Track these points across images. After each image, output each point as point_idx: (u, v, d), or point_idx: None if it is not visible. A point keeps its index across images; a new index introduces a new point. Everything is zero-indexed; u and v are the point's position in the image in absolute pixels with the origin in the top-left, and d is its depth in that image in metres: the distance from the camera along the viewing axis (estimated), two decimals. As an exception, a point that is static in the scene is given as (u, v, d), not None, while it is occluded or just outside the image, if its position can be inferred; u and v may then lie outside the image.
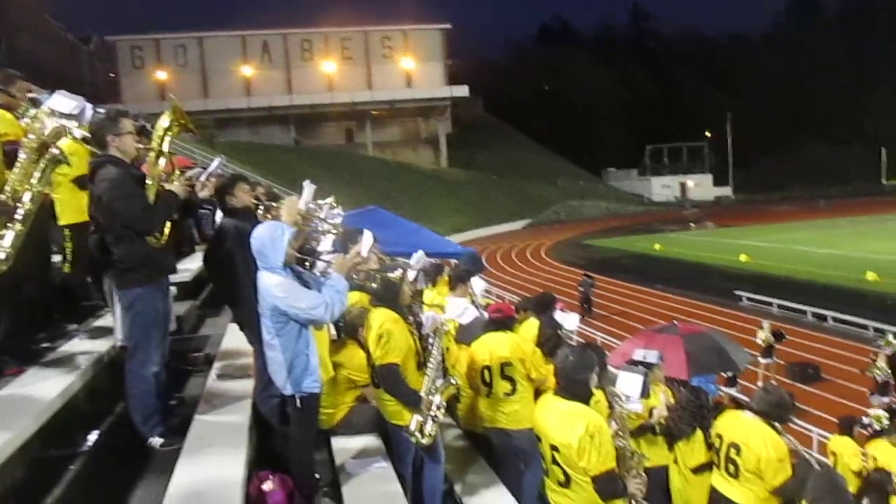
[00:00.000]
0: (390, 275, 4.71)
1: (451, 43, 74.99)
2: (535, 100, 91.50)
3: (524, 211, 62.57)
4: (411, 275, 5.39)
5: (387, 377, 4.55)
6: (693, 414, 5.68)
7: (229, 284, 4.83)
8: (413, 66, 70.47)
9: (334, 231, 4.52)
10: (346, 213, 5.33)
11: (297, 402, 4.04)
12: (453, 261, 8.46)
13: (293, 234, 3.99)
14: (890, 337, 14.87)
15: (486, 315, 7.20)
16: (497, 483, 5.26)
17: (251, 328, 4.66)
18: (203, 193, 4.79)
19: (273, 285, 3.89)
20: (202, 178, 4.79)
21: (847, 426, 8.70)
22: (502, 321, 5.65)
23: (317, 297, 3.92)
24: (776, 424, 4.87)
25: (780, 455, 4.63)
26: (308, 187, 4.53)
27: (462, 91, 71.12)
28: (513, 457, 5.50)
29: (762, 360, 16.00)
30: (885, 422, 9.73)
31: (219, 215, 5.47)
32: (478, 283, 8.50)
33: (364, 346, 4.85)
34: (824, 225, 46.36)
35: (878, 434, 9.06)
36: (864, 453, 8.29)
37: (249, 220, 4.61)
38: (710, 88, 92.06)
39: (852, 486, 7.77)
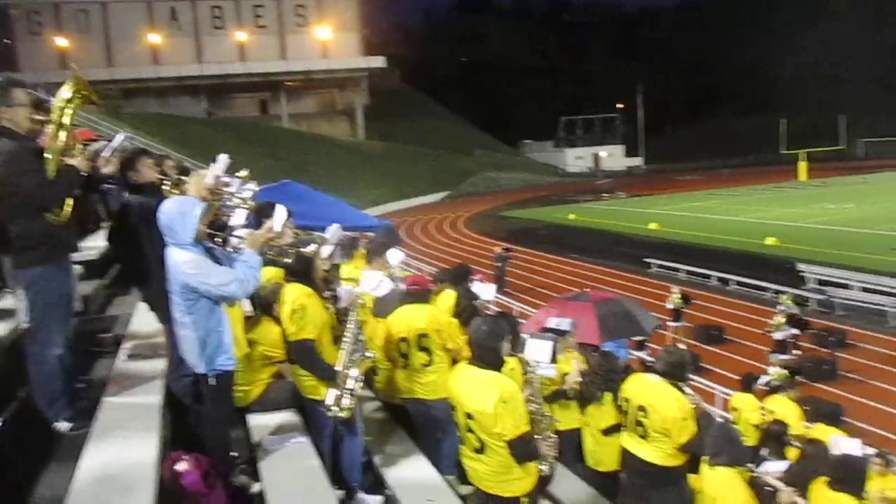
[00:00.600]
0: (304, 249, 4.68)
1: (367, 13, 73.90)
2: (452, 71, 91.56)
3: (442, 183, 62.69)
4: (327, 249, 5.36)
5: (302, 352, 4.54)
6: (604, 378, 5.91)
7: (135, 262, 4.69)
8: (328, 36, 69.13)
9: (246, 205, 4.44)
10: (260, 186, 5.23)
11: (211, 380, 3.98)
12: (370, 234, 8.44)
13: (203, 208, 3.90)
14: (786, 297, 15.73)
15: (403, 287, 7.26)
16: (416, 453, 5.34)
17: (160, 307, 4.55)
18: (107, 169, 4.60)
19: (183, 262, 3.80)
20: (105, 154, 4.60)
21: (748, 383, 9.22)
22: (419, 293, 5.70)
23: (229, 274, 3.85)
24: (679, 384, 5.11)
25: (684, 414, 4.86)
26: (221, 160, 4.42)
27: (379, 62, 70.34)
28: (431, 426, 5.58)
29: (671, 324, 16.68)
30: (783, 376, 10.33)
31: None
32: (395, 256, 8.52)
33: (279, 322, 4.81)
34: (728, 193, 48.38)
35: (775, 390, 9.63)
36: (763, 408, 8.81)
37: (155, 196, 4.47)
38: (623, 60, 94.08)
39: (753, 438, 8.26)
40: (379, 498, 4.78)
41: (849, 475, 4.99)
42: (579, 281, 23.17)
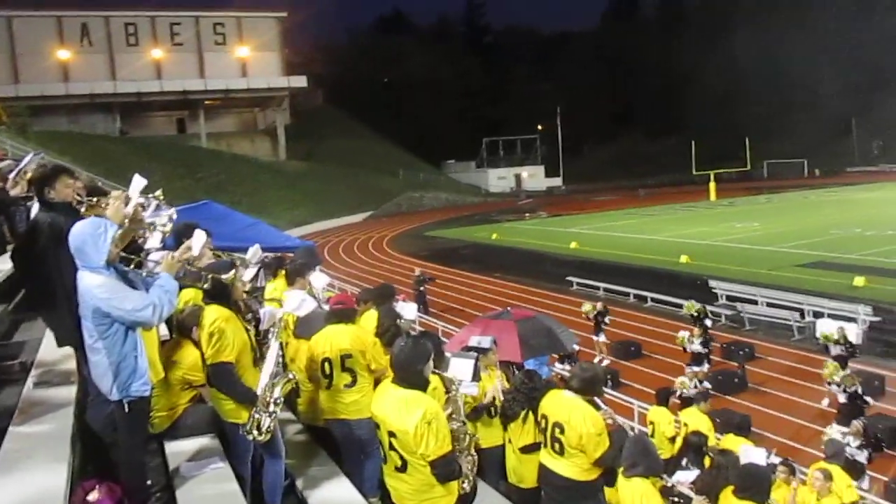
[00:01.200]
0: (223, 277, 4.60)
1: (287, 31, 73.38)
2: (375, 91, 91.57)
3: (366, 203, 62.53)
4: (251, 272, 5.31)
5: (220, 375, 4.47)
6: (526, 396, 6.00)
7: (40, 285, 4.52)
8: (248, 55, 68.28)
9: (164, 228, 4.36)
10: (177, 207, 5.13)
11: (125, 407, 3.88)
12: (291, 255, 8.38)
13: (116, 230, 3.81)
14: (689, 303, 16.21)
15: (326, 308, 7.23)
16: (339, 474, 5.32)
17: (62, 331, 4.39)
18: (15, 191, 4.44)
19: (95, 286, 3.70)
20: (12, 176, 4.44)
21: (663, 398, 9.56)
22: (344, 313, 5.68)
23: (144, 299, 3.77)
24: (594, 399, 5.26)
25: (598, 430, 4.98)
26: (137, 181, 4.33)
27: (300, 81, 69.84)
28: (354, 447, 5.57)
29: (596, 339, 17.10)
30: (690, 386, 10.73)
31: (34, 210, 5.10)
32: (319, 279, 8.48)
33: (197, 345, 4.72)
34: (643, 212, 49.97)
35: (688, 402, 9.99)
36: (678, 420, 9.14)
37: (67, 216, 4.34)
38: (542, 83, 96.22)
39: (668, 451, 8.54)
40: (299, 523, 4.73)
41: (753, 483, 5.21)
42: (503, 299, 23.43)
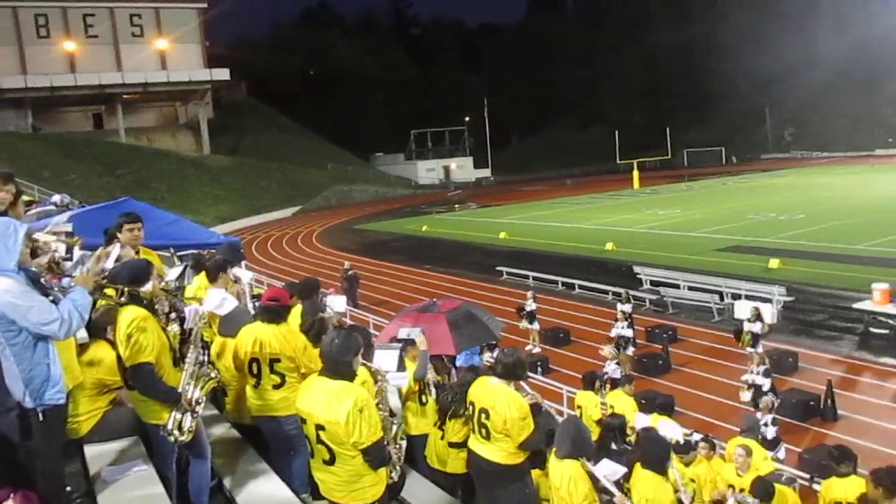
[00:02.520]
0: (140, 289, 4.46)
1: (208, 23, 71.53)
2: (300, 84, 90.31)
3: (293, 197, 61.68)
4: (175, 270, 5.19)
5: (140, 377, 4.35)
6: (462, 392, 6.06)
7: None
8: (167, 47, 66.20)
9: (67, 239, 4.23)
10: (95, 205, 4.99)
11: (39, 415, 3.75)
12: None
13: (26, 231, 3.68)
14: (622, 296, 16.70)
15: (249, 305, 7.13)
16: (268, 472, 5.28)
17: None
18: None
19: (3, 290, 3.56)
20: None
21: (590, 382, 9.74)
22: (276, 311, 5.52)
23: (52, 312, 3.62)
24: (520, 383, 5.36)
25: (522, 414, 5.08)
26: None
27: (223, 74, 68.06)
28: (283, 443, 5.51)
29: (529, 327, 17.36)
30: (613, 364, 11.01)
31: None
32: (245, 275, 8.36)
33: (114, 346, 4.59)
34: (570, 202, 50.92)
35: (614, 385, 10.26)
36: (604, 403, 9.37)
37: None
38: (469, 75, 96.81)
39: (596, 433, 8.74)
40: (229, 520, 4.68)
41: (653, 454, 5.40)
42: (434, 291, 23.53)
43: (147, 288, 4.36)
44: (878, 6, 68.81)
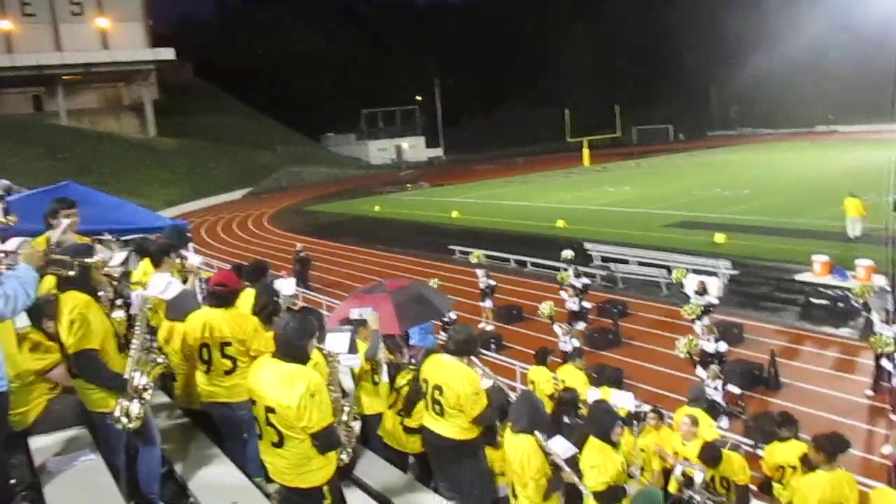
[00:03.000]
0: (89, 260, 4.37)
1: (151, 1, 69.49)
2: (248, 64, 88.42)
3: (243, 179, 60.71)
4: (120, 255, 5.07)
5: (84, 364, 4.27)
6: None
7: None
8: (108, 26, 64.14)
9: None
10: (36, 190, 4.84)
11: (-20, 405, 3.66)
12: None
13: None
14: (565, 272, 16.90)
15: (197, 290, 7.03)
16: (220, 457, 5.24)
17: None
18: None
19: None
20: None
21: (542, 357, 9.90)
22: (224, 296, 5.46)
23: (-6, 289, 3.55)
24: (471, 358, 5.42)
25: (475, 389, 5.15)
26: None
27: (167, 54, 66.15)
28: (236, 428, 5.47)
29: (482, 305, 17.48)
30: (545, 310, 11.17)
31: None
32: (193, 259, 8.21)
33: (51, 336, 4.48)
34: (522, 180, 51.23)
35: (565, 359, 10.42)
36: (555, 378, 9.53)
37: None
38: (420, 53, 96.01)
39: (549, 407, 8.89)
40: (180, 507, 4.64)
41: (600, 423, 5.54)
42: (387, 271, 23.53)
43: (97, 258, 4.26)
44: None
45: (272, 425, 4.06)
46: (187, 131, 66.87)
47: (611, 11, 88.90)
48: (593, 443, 5.51)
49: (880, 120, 63.59)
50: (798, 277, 17.82)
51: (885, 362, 10.98)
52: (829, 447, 5.84)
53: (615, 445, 5.54)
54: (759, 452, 7.90)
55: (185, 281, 6.81)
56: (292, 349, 4.12)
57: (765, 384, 12.72)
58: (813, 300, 16.75)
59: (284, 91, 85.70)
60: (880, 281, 15.69)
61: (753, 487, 7.33)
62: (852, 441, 6.58)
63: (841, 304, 16.09)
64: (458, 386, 5.10)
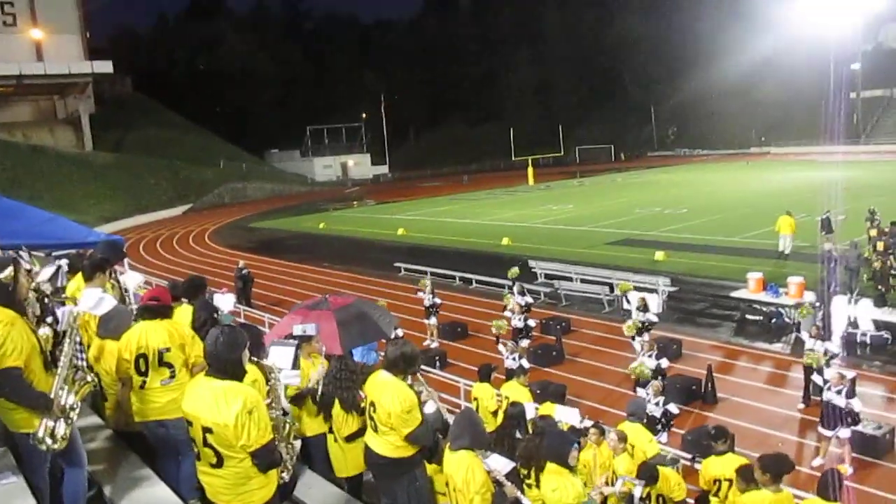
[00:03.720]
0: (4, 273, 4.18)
1: (88, 13, 67.96)
2: (190, 79, 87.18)
3: (184, 195, 59.54)
4: (48, 270, 4.90)
5: (6, 383, 4.07)
6: (340, 382, 6.01)
7: None
8: (43, 37, 62.38)
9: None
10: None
11: None
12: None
13: None
14: (507, 291, 17.03)
15: (133, 306, 6.83)
16: (152, 478, 5.07)
17: None
18: None
19: None
20: None
21: (485, 374, 9.91)
22: (158, 310, 5.33)
23: None
24: (417, 377, 5.37)
25: (407, 407, 5.08)
26: None
27: (105, 67, 64.65)
28: (170, 448, 5.30)
29: (427, 322, 17.37)
30: (522, 362, 11.21)
31: None
32: (133, 278, 7.99)
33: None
34: (467, 197, 51.55)
35: (509, 376, 10.45)
36: (499, 394, 9.55)
37: None
38: (365, 71, 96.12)
39: (491, 424, 8.90)
40: (109, 531, 4.46)
41: (555, 448, 5.55)
42: (332, 289, 23.21)
43: (6, 274, 4.06)
44: (755, 11, 73.14)
45: (210, 446, 3.94)
46: (125, 146, 65.38)
47: (553, 32, 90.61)
48: (550, 468, 5.51)
49: (809, 142, 66.64)
50: (734, 294, 18.29)
51: (815, 377, 11.31)
52: (775, 468, 5.97)
53: (572, 469, 5.55)
54: (697, 466, 8.03)
55: (122, 300, 6.62)
56: (225, 364, 4.00)
57: (702, 399, 12.98)
58: (748, 316, 17.22)
59: (227, 106, 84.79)
60: (810, 297, 16.22)
61: (690, 501, 7.44)
62: (784, 453, 6.74)
63: (774, 320, 16.58)
64: (388, 403, 5.06)
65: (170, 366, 5.12)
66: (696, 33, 79.40)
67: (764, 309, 17.07)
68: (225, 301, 7.01)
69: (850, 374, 10.99)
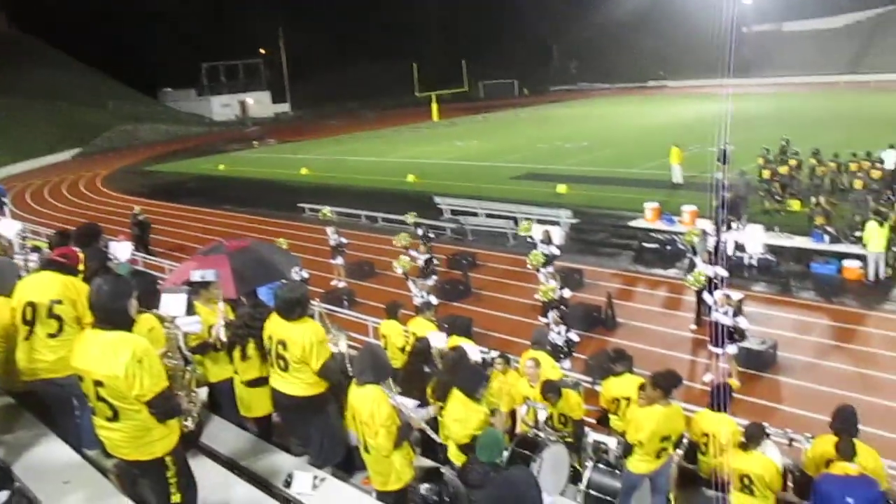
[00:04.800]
0: None
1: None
2: (72, 14, 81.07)
3: (71, 139, 56.10)
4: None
5: None
6: (249, 326, 5.94)
7: None
8: None
9: None
10: None
11: None
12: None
13: None
14: (401, 236, 17.11)
15: (19, 259, 6.49)
16: (49, 436, 4.93)
17: None
18: None
19: None
20: None
21: (392, 311, 9.97)
22: (62, 266, 5.05)
23: None
24: (322, 316, 5.39)
25: (319, 337, 5.16)
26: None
27: (-27, 1, 59.53)
28: (65, 405, 5.12)
29: (334, 262, 17.20)
30: (430, 298, 11.36)
31: None
32: (9, 226, 7.58)
33: None
34: (371, 136, 50.89)
35: (419, 311, 10.57)
36: (406, 331, 9.66)
37: None
38: (262, 4, 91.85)
39: (399, 360, 9.01)
40: (3, 493, 4.30)
41: (468, 380, 5.72)
42: (234, 232, 22.71)
43: None
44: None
45: (103, 399, 3.84)
46: (4, 87, 60.72)
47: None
48: (457, 396, 5.66)
49: (706, 75, 68.82)
50: (632, 224, 18.97)
51: (706, 296, 11.94)
52: (664, 383, 6.30)
53: (478, 401, 5.72)
54: (598, 388, 8.42)
55: (3, 252, 6.27)
56: (110, 314, 3.88)
57: (602, 325, 13.55)
58: (645, 244, 17.95)
59: (115, 43, 79.49)
60: (703, 224, 17.01)
61: (592, 420, 7.83)
62: (679, 371, 7.16)
63: (669, 248, 17.36)
64: (301, 337, 5.09)
65: (59, 318, 4.89)
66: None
67: (660, 237, 17.82)
68: (122, 249, 6.78)
69: (737, 295, 11.70)
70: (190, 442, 4.68)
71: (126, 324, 3.92)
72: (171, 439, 4.05)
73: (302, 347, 5.08)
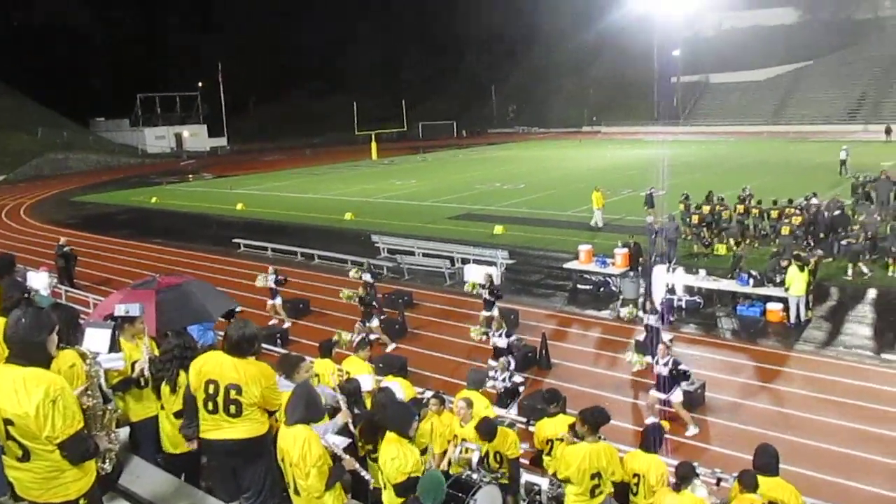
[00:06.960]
0: None
1: None
2: (2, 37, 78.80)
3: (-5, 166, 54.21)
4: None
5: None
6: (177, 359, 5.74)
7: None
8: None
9: None
10: None
11: None
12: None
13: None
14: (354, 271, 17.05)
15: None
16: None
17: None
18: None
19: None
20: None
21: (326, 350, 9.83)
22: None
23: None
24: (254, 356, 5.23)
25: (274, 382, 5.10)
26: None
27: None
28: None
29: (270, 302, 16.82)
30: (346, 337, 11.26)
31: None
32: (40, 279, 7.20)
33: None
34: (310, 172, 50.65)
35: (355, 350, 10.43)
36: (340, 369, 9.52)
37: None
38: (200, 37, 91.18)
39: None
40: None
41: (398, 419, 5.64)
42: (166, 266, 22.13)
43: None
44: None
45: (13, 438, 3.61)
46: (-77, 110, 58.44)
47: (398, 9, 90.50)
48: (391, 437, 5.56)
49: (636, 122, 71.36)
50: (566, 265, 19.25)
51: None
52: (592, 420, 6.36)
53: (412, 440, 5.64)
54: (532, 429, 8.42)
55: None
56: (26, 348, 3.66)
57: (538, 365, 13.62)
58: (579, 286, 18.24)
59: (46, 69, 77.44)
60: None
61: (525, 461, 7.81)
62: (614, 412, 7.24)
63: (602, 289, 17.67)
64: (259, 380, 4.95)
65: None
66: (534, 15, 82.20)
67: (593, 278, 18.13)
68: (39, 279, 6.53)
69: (667, 336, 11.94)
70: (107, 484, 4.46)
71: (43, 360, 3.72)
72: (85, 481, 3.83)
73: (261, 390, 4.93)
